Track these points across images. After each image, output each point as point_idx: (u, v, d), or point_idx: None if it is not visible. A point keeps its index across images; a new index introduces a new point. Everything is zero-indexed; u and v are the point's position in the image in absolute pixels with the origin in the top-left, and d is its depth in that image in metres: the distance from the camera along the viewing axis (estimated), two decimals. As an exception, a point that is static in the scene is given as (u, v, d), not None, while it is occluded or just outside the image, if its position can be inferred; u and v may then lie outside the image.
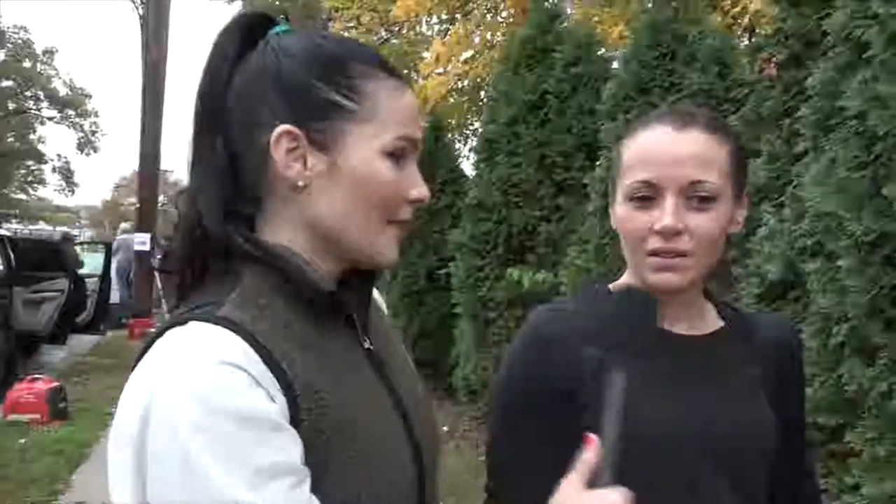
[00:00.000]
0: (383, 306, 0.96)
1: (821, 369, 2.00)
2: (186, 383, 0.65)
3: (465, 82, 8.08)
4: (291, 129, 0.75)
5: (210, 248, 0.76)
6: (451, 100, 8.52)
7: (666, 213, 0.88)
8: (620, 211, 0.94)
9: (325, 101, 0.75)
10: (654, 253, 0.89)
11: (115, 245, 11.49)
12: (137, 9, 13.25)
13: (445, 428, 5.19)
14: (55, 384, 5.96)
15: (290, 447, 0.68)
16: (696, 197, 0.89)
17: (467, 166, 6.86)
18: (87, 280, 9.17)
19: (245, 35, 0.79)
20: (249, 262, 0.75)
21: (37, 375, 6.22)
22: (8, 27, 30.03)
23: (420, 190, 0.79)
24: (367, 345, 0.82)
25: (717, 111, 3.37)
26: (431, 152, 6.84)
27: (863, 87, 1.98)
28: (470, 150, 7.41)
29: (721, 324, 0.99)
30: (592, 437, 0.75)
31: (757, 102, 3.00)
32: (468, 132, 9.43)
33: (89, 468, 4.60)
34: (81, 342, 8.77)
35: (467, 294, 5.02)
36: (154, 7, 12.63)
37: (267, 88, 0.76)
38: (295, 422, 0.69)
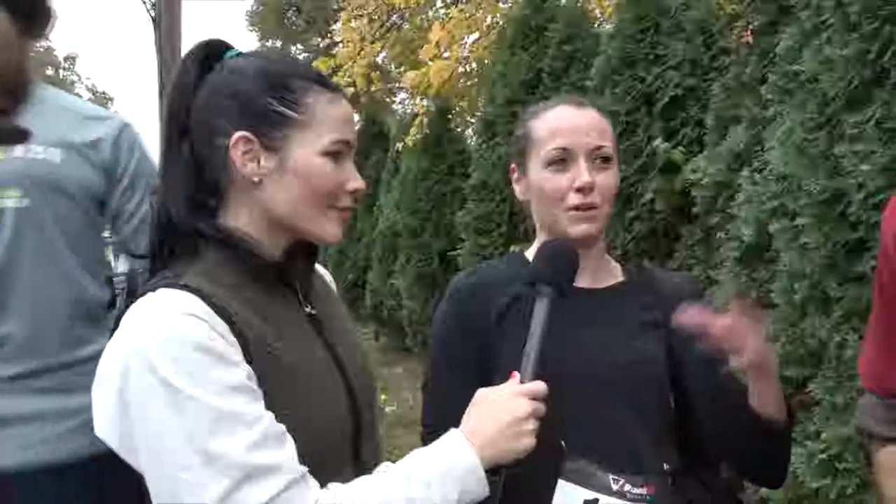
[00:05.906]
0: (332, 283, 1.12)
1: (787, 325, 2.08)
2: (157, 329, 0.81)
3: (471, 66, 8.12)
4: (246, 134, 0.91)
5: (177, 233, 0.92)
6: (459, 84, 8.55)
7: (583, 173, 1.07)
8: (538, 177, 1.11)
9: (273, 111, 0.92)
10: (574, 208, 1.07)
11: (141, 244, 11.75)
12: (150, 11, 13.44)
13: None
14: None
15: (248, 376, 0.83)
16: (600, 158, 1.09)
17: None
18: (115, 280, 9.43)
19: (205, 58, 0.96)
20: (208, 241, 0.92)
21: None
22: (29, 36, 30.67)
23: (356, 182, 0.96)
24: (308, 309, 0.98)
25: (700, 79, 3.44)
26: (439, 136, 6.93)
27: (817, 51, 2.04)
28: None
29: (622, 278, 1.14)
30: (514, 372, 0.90)
31: (737, 70, 3.06)
32: (477, 115, 9.47)
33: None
34: (112, 339, 9.07)
35: (474, 274, 5.12)
36: (166, 9, 12.82)
37: (225, 102, 0.93)
38: (247, 363, 0.84)
